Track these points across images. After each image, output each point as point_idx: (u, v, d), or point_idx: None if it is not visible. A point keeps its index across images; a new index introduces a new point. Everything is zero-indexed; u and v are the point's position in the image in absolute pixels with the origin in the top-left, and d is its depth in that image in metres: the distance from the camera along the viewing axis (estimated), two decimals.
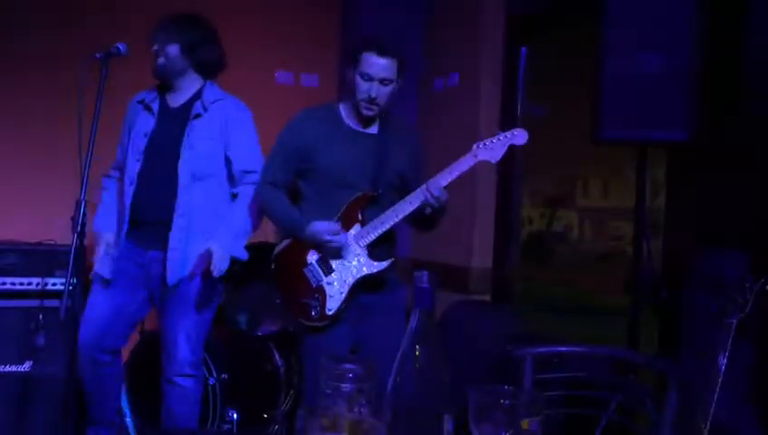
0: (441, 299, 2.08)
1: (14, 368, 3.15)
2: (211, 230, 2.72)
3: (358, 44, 2.45)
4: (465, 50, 4.06)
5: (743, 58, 2.41)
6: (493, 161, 2.38)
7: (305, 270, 2.48)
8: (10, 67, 3.76)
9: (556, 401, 1.98)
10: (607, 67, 2.49)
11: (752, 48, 2.38)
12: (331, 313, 2.42)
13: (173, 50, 2.75)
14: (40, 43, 3.01)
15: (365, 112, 2.47)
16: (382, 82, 2.41)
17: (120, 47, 2.51)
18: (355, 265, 2.44)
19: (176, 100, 2.82)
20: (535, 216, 3.99)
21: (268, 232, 3.58)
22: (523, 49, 3.80)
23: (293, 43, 4.60)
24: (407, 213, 2.40)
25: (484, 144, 2.38)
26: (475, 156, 2.38)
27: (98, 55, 2.48)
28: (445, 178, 2.37)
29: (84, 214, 2.43)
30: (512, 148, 2.40)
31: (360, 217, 2.45)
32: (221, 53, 2.89)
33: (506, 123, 3.79)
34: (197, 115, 2.76)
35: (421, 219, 2.47)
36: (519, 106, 3.83)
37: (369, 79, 2.40)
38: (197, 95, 2.81)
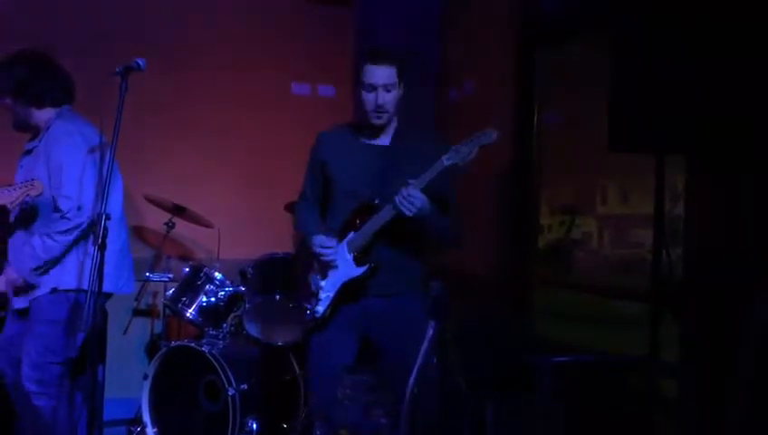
0: (457, 308, 2.08)
1: None
2: None
3: (358, 60, 2.57)
4: (478, 57, 4.06)
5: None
6: (460, 164, 2.39)
7: (310, 275, 2.62)
8: None
9: (574, 409, 1.97)
10: (624, 72, 2.48)
11: None
12: (317, 315, 2.55)
13: (7, 102, 2.86)
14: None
15: (375, 121, 2.56)
16: (385, 88, 2.50)
17: (140, 62, 2.54)
18: (343, 270, 2.55)
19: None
20: (554, 223, 3.96)
21: (275, 245, 3.65)
22: (538, 55, 3.79)
23: (310, 54, 4.63)
24: (383, 221, 2.48)
25: (456, 148, 2.40)
26: (443, 163, 2.40)
27: (117, 70, 2.52)
28: (414, 186, 2.41)
29: (106, 227, 2.47)
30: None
31: (357, 224, 2.55)
32: (58, 79, 2.92)
33: (521, 131, 3.78)
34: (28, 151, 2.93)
35: (415, 228, 2.52)
36: (535, 113, 3.82)
37: (373, 88, 2.50)
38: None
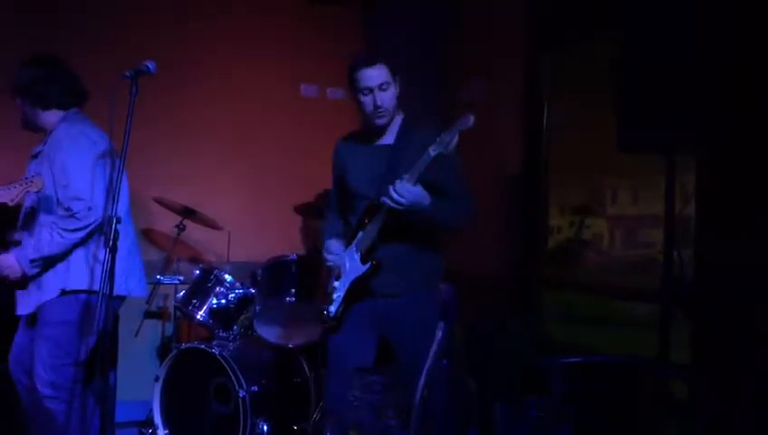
0: (467, 310, 2.08)
1: None
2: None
3: (348, 69, 2.60)
4: (486, 59, 4.05)
5: None
6: (445, 152, 2.40)
7: (330, 280, 2.68)
8: None
9: (584, 410, 1.96)
10: (631, 73, 2.47)
11: None
12: (331, 315, 2.63)
13: (19, 102, 2.88)
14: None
15: (378, 122, 2.62)
16: (381, 87, 2.56)
17: (150, 65, 2.54)
18: (351, 269, 2.62)
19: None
20: (564, 224, 3.95)
21: (284, 247, 3.66)
22: (547, 56, 3.78)
23: (319, 56, 4.64)
24: (382, 220, 2.53)
25: (441, 138, 2.42)
26: (430, 154, 2.43)
27: (127, 73, 2.51)
28: (406, 180, 2.44)
29: (116, 230, 2.48)
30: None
31: (365, 224, 2.60)
32: (65, 81, 2.92)
33: (531, 131, 3.77)
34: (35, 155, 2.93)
35: (418, 223, 2.53)
36: (545, 114, 3.80)
37: (369, 91, 2.57)
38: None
